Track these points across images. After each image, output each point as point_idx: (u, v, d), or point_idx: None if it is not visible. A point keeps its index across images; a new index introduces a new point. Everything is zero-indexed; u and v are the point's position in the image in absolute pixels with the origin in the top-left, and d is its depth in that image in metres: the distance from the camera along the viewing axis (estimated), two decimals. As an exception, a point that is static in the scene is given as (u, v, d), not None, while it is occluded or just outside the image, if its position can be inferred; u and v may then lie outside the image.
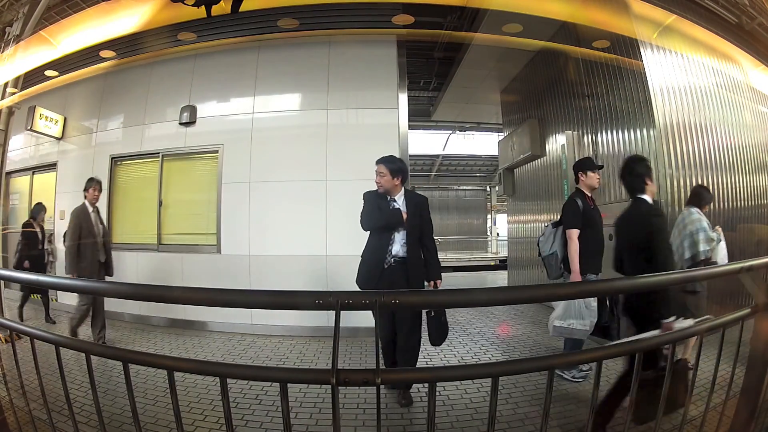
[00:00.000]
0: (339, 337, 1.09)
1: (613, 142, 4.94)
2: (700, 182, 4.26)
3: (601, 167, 3.49)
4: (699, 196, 3.42)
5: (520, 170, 7.57)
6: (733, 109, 4.87)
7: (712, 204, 4.09)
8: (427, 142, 15.75)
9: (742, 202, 4.67)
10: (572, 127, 5.73)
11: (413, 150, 13.29)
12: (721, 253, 3.29)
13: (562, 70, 5.87)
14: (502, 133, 8.74)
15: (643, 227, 2.33)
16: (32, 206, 5.60)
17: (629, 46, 4.56)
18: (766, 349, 1.59)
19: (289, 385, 1.16)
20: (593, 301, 2.99)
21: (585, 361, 1.36)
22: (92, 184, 4.25)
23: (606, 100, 5.02)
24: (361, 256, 3.06)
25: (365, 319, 3.89)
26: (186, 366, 1.48)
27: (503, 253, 14.53)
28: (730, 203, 4.44)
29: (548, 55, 6.21)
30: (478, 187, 19.98)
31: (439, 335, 2.90)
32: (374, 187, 3.06)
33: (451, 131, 14.38)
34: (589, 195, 3.39)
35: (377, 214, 2.96)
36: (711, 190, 4.09)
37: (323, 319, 4.44)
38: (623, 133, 4.76)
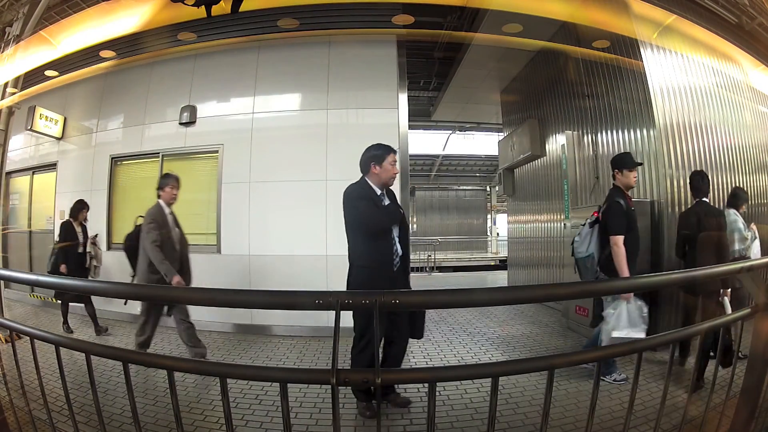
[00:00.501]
0: (339, 337, 1.09)
1: (613, 142, 4.94)
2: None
3: (640, 164, 3.36)
4: (736, 198, 3.57)
5: (520, 170, 7.57)
6: (733, 109, 4.86)
7: (717, 204, 4.16)
8: (427, 142, 15.76)
9: (726, 201, 4.67)
10: (572, 127, 5.73)
11: (413, 150, 13.29)
12: (755, 250, 3.40)
13: (562, 70, 5.87)
14: (502, 133, 8.74)
15: (710, 222, 3.24)
16: (72, 204, 4.95)
17: (629, 46, 4.56)
18: (766, 349, 1.59)
19: (289, 385, 1.16)
20: (645, 307, 2.93)
21: (585, 360, 1.36)
22: (170, 181, 3.54)
23: (606, 100, 5.02)
24: (355, 262, 2.76)
25: (365, 319, 3.89)
26: (186, 366, 1.49)
27: (503, 253, 14.53)
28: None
29: (548, 55, 6.21)
30: (478, 187, 19.98)
31: (419, 328, 2.84)
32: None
33: (451, 131, 14.38)
34: (628, 194, 3.24)
35: (381, 213, 2.70)
36: (711, 189, 4.16)
37: (323, 319, 4.44)
38: (623, 133, 4.76)
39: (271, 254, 4.86)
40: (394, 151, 2.82)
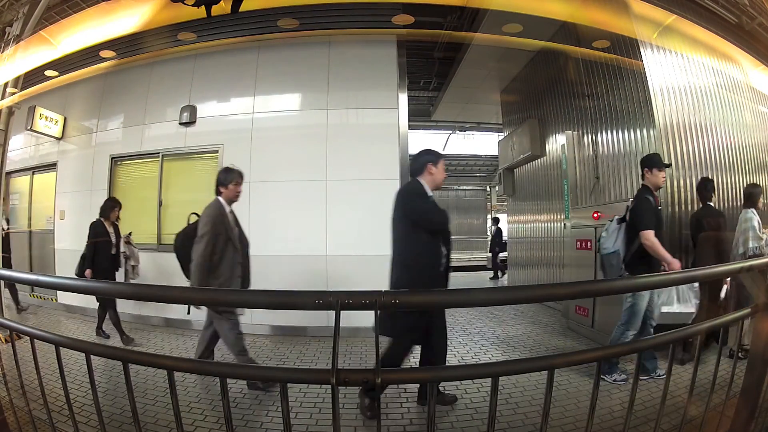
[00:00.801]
0: (339, 337, 1.09)
1: (613, 142, 4.94)
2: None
3: (669, 165, 3.43)
4: (750, 196, 3.68)
5: (520, 170, 7.57)
6: (733, 109, 4.87)
7: (716, 204, 4.23)
8: (427, 142, 15.74)
9: (742, 202, 4.68)
10: (572, 127, 5.73)
11: (413, 150, 13.25)
12: None
13: (562, 70, 5.88)
14: (502, 133, 8.75)
15: (710, 223, 3.67)
16: (103, 201, 4.60)
17: (629, 46, 4.56)
18: (766, 349, 1.59)
19: (289, 385, 1.16)
20: (696, 283, 2.95)
21: (585, 360, 1.36)
22: (234, 176, 3.22)
23: (606, 100, 5.02)
24: (407, 261, 2.72)
25: (365, 319, 3.89)
26: (186, 366, 1.49)
27: (503, 253, 14.51)
28: (730, 203, 4.44)
29: (548, 55, 6.21)
30: (478, 187, 19.96)
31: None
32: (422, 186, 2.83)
33: (451, 131, 14.37)
34: (656, 194, 3.25)
35: (443, 213, 2.76)
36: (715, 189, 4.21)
37: (323, 319, 4.44)
38: (623, 133, 4.76)
39: (271, 254, 4.85)
40: (442, 158, 2.93)
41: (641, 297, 3.03)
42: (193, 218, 3.36)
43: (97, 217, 4.48)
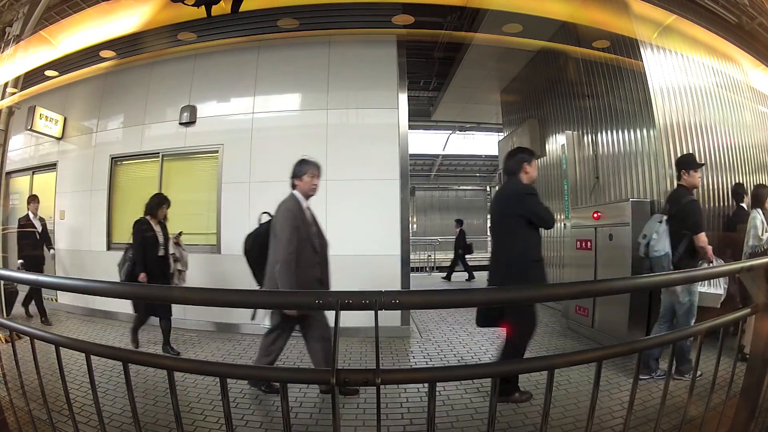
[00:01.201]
0: (339, 337, 1.09)
1: (613, 142, 4.94)
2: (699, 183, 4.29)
3: (703, 165, 3.49)
4: (756, 198, 3.81)
5: (520, 170, 7.57)
6: (733, 109, 4.87)
7: (717, 203, 4.38)
8: (427, 142, 15.78)
9: (751, 203, 4.68)
10: (572, 127, 5.73)
11: (413, 150, 13.30)
12: None
13: (562, 70, 5.88)
14: (502, 133, 8.75)
15: (731, 222, 4.09)
16: (149, 198, 4.11)
17: (629, 46, 4.56)
18: (766, 349, 1.59)
19: (289, 385, 1.16)
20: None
21: (585, 361, 1.36)
22: (309, 167, 2.95)
23: (606, 100, 5.02)
24: (530, 257, 2.79)
25: (365, 319, 3.89)
26: (186, 366, 1.49)
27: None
28: (730, 203, 4.44)
29: (548, 55, 6.22)
30: (478, 187, 20.00)
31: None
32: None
33: (451, 131, 14.40)
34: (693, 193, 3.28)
35: (552, 214, 2.86)
36: (713, 189, 4.35)
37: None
38: (623, 133, 4.76)
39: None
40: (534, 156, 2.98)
41: (695, 294, 3.06)
42: (264, 218, 3.11)
43: (142, 214, 4.06)
